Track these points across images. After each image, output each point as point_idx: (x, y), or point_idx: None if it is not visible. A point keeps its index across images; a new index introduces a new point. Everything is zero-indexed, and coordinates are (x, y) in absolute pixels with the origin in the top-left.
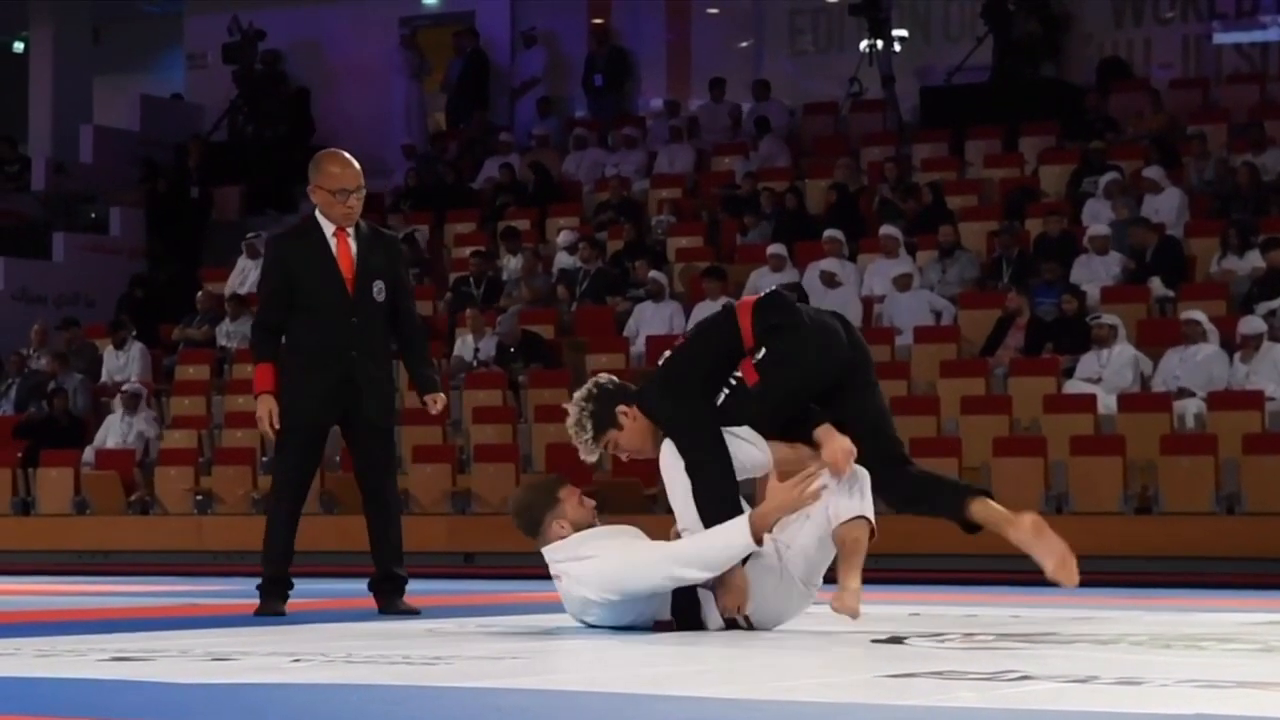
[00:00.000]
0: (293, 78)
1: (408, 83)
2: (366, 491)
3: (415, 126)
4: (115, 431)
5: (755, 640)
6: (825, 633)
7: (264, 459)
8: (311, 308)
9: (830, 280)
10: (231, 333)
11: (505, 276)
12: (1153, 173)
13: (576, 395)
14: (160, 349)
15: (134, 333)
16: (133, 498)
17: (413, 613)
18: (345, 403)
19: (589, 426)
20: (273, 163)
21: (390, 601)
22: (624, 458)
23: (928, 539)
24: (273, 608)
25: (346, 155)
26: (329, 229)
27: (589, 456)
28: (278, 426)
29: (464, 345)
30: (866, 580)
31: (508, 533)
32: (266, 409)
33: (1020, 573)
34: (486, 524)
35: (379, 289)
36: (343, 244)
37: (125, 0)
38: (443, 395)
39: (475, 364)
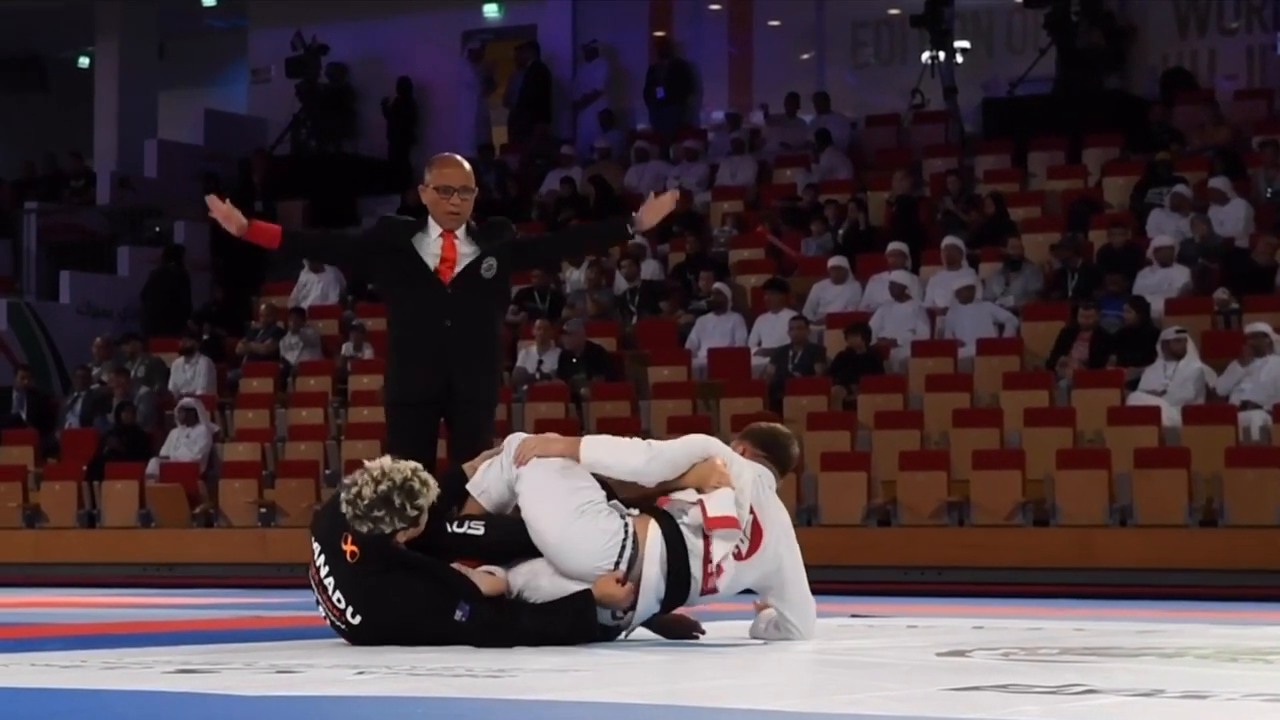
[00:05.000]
0: (356, 91)
1: (472, 96)
2: None
3: (479, 140)
4: (179, 445)
5: (819, 653)
6: (890, 645)
7: (327, 472)
8: (402, 300)
9: (900, 293)
10: (294, 346)
11: (568, 289)
12: (1218, 184)
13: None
14: (224, 362)
15: (205, 336)
16: (197, 510)
17: None
18: (441, 383)
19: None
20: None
21: None
22: None
23: (990, 552)
24: None
25: (458, 157)
26: (435, 231)
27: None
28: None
29: (527, 357)
30: (929, 593)
31: None
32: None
33: (1084, 585)
34: None
35: (488, 265)
36: (448, 243)
37: (190, 15)
38: (652, 209)
39: (538, 376)
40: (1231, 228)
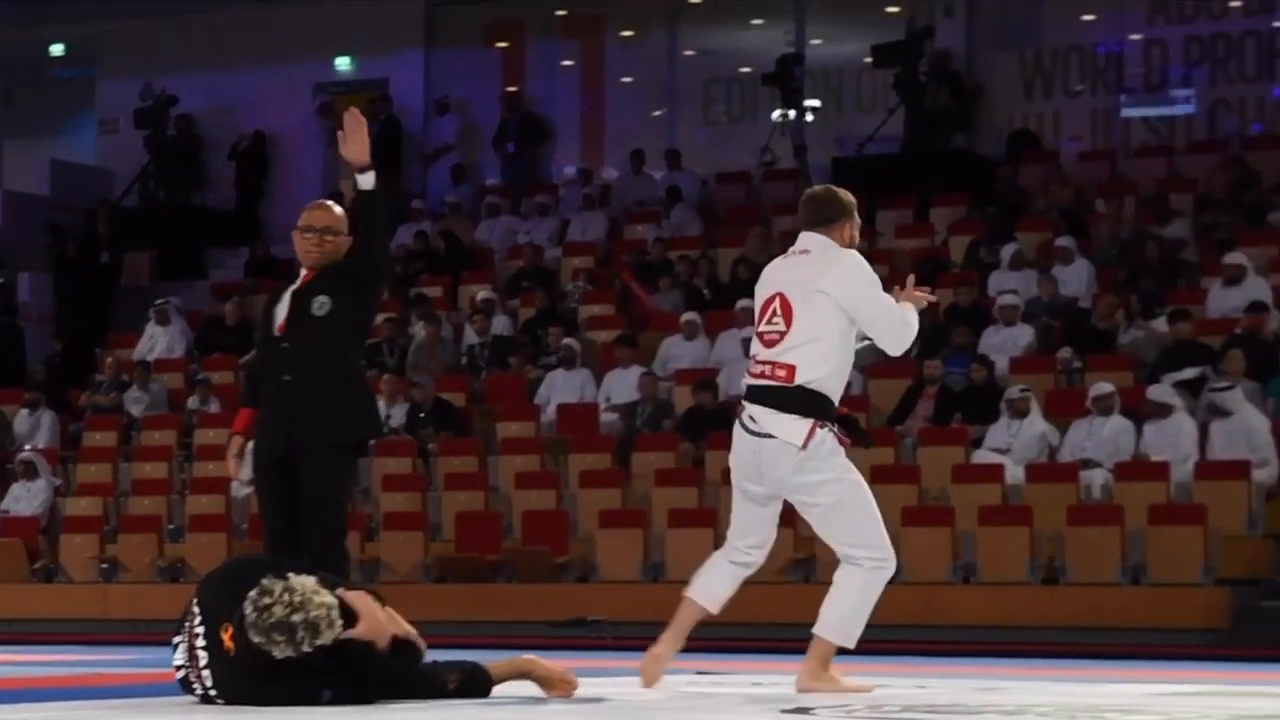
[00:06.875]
0: (207, 143)
1: (324, 149)
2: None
3: (328, 192)
4: (19, 498)
5: (673, 704)
6: (734, 703)
7: (170, 526)
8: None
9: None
10: (139, 399)
11: (414, 344)
12: (1064, 243)
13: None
14: (67, 415)
15: (44, 398)
16: (37, 565)
17: None
18: (284, 437)
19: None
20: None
21: None
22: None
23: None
24: None
25: (330, 203)
26: (302, 274)
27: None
28: (241, 471)
29: None
30: (775, 650)
31: (416, 601)
32: (236, 447)
33: (927, 642)
34: (396, 592)
35: (320, 303)
36: (302, 282)
37: (36, 64)
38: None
39: (386, 430)
40: (1075, 288)
